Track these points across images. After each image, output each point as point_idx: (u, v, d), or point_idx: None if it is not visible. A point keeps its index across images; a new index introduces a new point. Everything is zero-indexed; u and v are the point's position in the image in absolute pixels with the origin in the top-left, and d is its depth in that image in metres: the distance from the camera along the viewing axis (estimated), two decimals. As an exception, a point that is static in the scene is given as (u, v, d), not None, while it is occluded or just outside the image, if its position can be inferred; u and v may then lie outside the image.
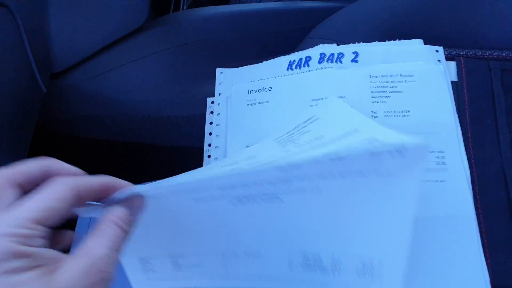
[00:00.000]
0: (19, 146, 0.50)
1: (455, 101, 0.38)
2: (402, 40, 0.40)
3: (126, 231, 0.23)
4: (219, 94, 0.43)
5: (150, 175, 0.75)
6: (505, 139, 0.36)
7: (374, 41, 0.41)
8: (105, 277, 0.20)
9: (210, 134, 0.41)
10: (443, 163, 0.35)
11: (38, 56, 0.48)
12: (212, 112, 0.42)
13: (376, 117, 0.37)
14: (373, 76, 0.38)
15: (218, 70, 0.44)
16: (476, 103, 0.38)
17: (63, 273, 0.19)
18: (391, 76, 0.38)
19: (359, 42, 0.41)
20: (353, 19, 0.42)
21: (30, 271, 0.19)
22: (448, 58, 0.40)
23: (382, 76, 0.38)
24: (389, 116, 0.37)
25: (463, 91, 0.38)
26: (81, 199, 0.22)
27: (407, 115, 0.37)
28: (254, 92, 0.41)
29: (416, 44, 0.40)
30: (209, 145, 0.41)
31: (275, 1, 0.53)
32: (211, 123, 0.42)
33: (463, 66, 0.39)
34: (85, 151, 0.76)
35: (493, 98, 0.38)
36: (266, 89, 0.41)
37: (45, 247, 0.20)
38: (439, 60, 0.39)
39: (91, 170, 0.81)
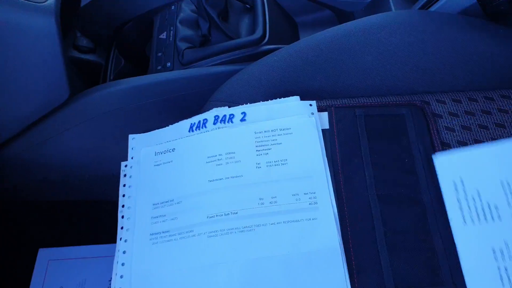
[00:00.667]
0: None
1: (328, 146, 0.44)
2: (282, 98, 0.47)
3: None
4: (131, 158, 0.48)
5: (103, 231, 0.78)
6: (370, 174, 0.42)
7: (261, 99, 0.47)
8: None
9: (124, 195, 0.46)
10: (315, 203, 0.41)
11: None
12: (125, 175, 0.47)
13: (260, 167, 0.43)
14: (257, 132, 0.45)
15: (130, 136, 0.49)
16: (345, 146, 0.44)
17: None
18: (272, 131, 0.44)
19: (248, 103, 0.47)
20: (243, 82, 0.49)
21: None
22: (321, 109, 0.46)
23: (265, 131, 0.44)
24: (271, 165, 0.43)
25: (333, 137, 0.44)
26: None
27: (285, 164, 0.43)
28: (160, 153, 0.46)
29: (293, 100, 0.46)
30: (123, 206, 0.45)
31: (185, 69, 0.60)
32: (124, 185, 0.46)
33: (333, 115, 0.46)
34: (38, 214, 0.78)
35: (359, 141, 0.44)
36: (170, 150, 0.46)
37: None
38: (312, 113, 0.45)
39: (43, 231, 0.83)
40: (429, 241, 0.38)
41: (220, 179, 0.42)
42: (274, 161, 0.43)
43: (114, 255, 0.76)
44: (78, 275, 0.74)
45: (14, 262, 0.76)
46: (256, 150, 0.44)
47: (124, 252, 0.42)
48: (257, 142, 0.44)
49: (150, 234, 0.42)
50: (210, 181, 0.43)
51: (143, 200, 0.44)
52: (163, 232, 0.41)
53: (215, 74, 0.57)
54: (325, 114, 0.46)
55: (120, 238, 0.43)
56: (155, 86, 0.57)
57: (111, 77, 0.66)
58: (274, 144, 0.44)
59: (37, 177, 0.74)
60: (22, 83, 0.52)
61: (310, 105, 0.46)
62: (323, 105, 0.47)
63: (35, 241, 0.77)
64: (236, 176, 0.42)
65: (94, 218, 0.80)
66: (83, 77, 0.70)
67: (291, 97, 0.47)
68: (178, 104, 0.58)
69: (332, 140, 0.44)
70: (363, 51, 0.49)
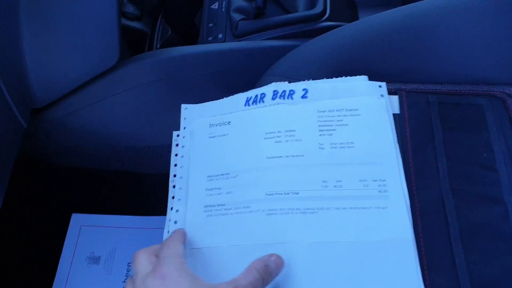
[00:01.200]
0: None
1: (397, 132, 0.41)
2: (348, 76, 0.44)
3: (263, 277, 0.32)
4: (184, 128, 0.46)
5: (136, 203, 0.78)
6: (443, 166, 0.39)
7: (323, 78, 0.44)
8: None
9: (175, 165, 0.44)
10: (385, 191, 0.38)
11: (17, 95, 0.51)
12: (177, 145, 0.45)
13: (323, 148, 0.40)
14: (320, 111, 0.42)
15: (183, 106, 0.47)
16: (417, 134, 0.41)
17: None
18: (337, 110, 0.41)
19: (309, 79, 0.44)
20: (304, 58, 0.46)
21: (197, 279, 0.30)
22: (391, 92, 0.43)
23: (329, 110, 0.42)
24: (335, 147, 0.40)
25: (404, 123, 0.41)
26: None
27: (351, 147, 0.40)
28: (214, 125, 0.44)
29: (361, 80, 0.43)
30: (174, 175, 0.43)
31: (237, 41, 0.57)
32: (176, 155, 0.45)
33: (404, 100, 0.43)
34: (74, 180, 0.78)
35: (431, 129, 0.41)
36: (226, 123, 0.43)
37: None
38: (382, 95, 0.42)
39: (77, 197, 0.84)
40: None
41: (280, 156, 0.40)
42: (340, 143, 0.40)
43: (145, 227, 0.77)
44: (109, 243, 0.74)
45: (48, 225, 0.76)
46: (319, 130, 0.41)
47: (175, 222, 0.40)
48: (320, 121, 0.41)
49: (205, 206, 0.40)
50: (269, 157, 0.40)
51: (197, 171, 0.42)
52: (218, 205, 0.39)
53: (270, 48, 0.54)
54: (395, 98, 0.43)
55: (171, 208, 0.41)
56: (207, 57, 0.54)
57: (157, 46, 0.64)
58: (339, 125, 0.41)
59: (75, 143, 0.73)
60: (76, 43, 0.51)
61: (380, 86, 0.43)
62: (392, 89, 0.44)
63: (69, 206, 0.77)
64: (297, 155, 0.40)
65: (126, 189, 0.79)
66: (128, 45, 0.68)
67: (358, 76, 0.43)
68: (228, 78, 0.55)
69: (403, 126, 0.41)
70: (438, 33, 0.45)
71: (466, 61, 0.44)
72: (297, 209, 0.37)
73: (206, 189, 0.41)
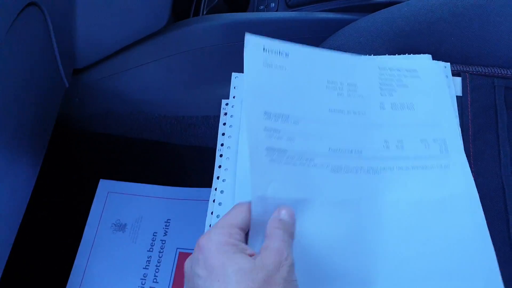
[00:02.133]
0: (40, 137, 0.52)
1: (459, 114, 0.39)
2: (411, 54, 0.42)
3: (286, 230, 0.31)
4: (233, 97, 0.44)
5: (165, 173, 0.77)
6: (506, 153, 0.38)
7: (382, 54, 0.43)
8: (284, 256, 0.28)
9: (223, 134, 0.43)
10: (446, 150, 0.37)
11: (63, 52, 0.51)
12: (226, 114, 0.44)
13: (384, 108, 0.39)
14: (381, 68, 0.40)
15: (234, 74, 0.45)
16: (479, 118, 0.39)
17: (258, 258, 0.28)
18: (397, 70, 0.40)
19: (368, 54, 0.42)
20: (363, 32, 0.44)
21: (238, 253, 0.28)
22: (454, 74, 0.42)
23: (389, 69, 0.40)
24: (396, 108, 0.39)
25: (467, 106, 0.40)
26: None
27: (411, 108, 0.39)
28: (270, 52, 0.37)
29: (425, 59, 0.42)
30: (222, 144, 0.42)
31: (291, 11, 0.56)
32: (224, 124, 0.43)
33: (468, 82, 0.41)
34: (103, 146, 0.78)
35: (496, 114, 0.39)
36: (283, 54, 0.37)
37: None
38: (446, 76, 0.41)
39: (106, 163, 0.84)
40: None
41: (342, 111, 0.38)
42: (400, 104, 0.39)
43: (171, 198, 0.76)
44: (135, 211, 0.74)
45: (76, 190, 0.77)
46: (380, 89, 0.39)
47: (222, 192, 0.39)
48: (381, 79, 0.40)
49: (266, 148, 0.34)
50: (331, 110, 0.38)
51: (254, 104, 0.35)
52: (280, 150, 0.34)
53: (325, 20, 0.52)
54: (458, 80, 0.41)
55: (218, 177, 0.40)
56: (257, 26, 0.53)
57: (204, 13, 0.63)
58: (399, 85, 0.40)
59: (109, 109, 0.73)
60: (127, 2, 0.49)
61: (445, 67, 0.41)
62: (455, 70, 0.42)
63: (98, 172, 0.77)
64: (359, 113, 0.38)
65: (156, 159, 0.79)
66: (172, 9, 0.67)
67: (422, 55, 0.42)
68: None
69: (465, 110, 0.40)
70: (510, 14, 0.43)
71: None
72: (361, 167, 0.36)
73: (265, 128, 0.34)
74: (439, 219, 0.35)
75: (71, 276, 0.67)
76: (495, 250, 0.34)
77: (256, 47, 0.37)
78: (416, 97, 0.39)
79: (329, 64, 0.39)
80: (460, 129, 0.39)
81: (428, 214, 0.35)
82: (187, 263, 0.30)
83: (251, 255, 0.29)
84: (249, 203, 0.31)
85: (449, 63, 0.41)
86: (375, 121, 0.38)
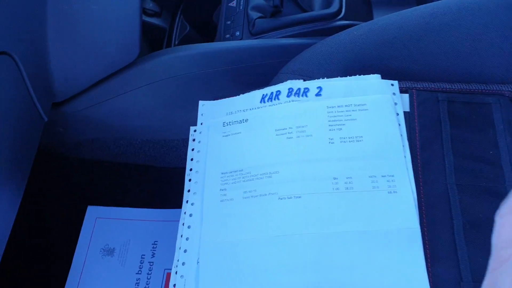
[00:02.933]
0: (20, 169, 0.54)
1: (407, 129, 0.42)
2: (361, 75, 0.45)
3: None
4: (201, 124, 0.48)
5: (151, 195, 0.79)
6: (450, 163, 0.40)
7: (337, 75, 0.46)
8: None
9: (192, 159, 0.46)
10: (394, 191, 0.39)
11: (39, 89, 0.53)
12: (194, 140, 0.47)
13: (333, 143, 0.41)
14: (330, 107, 0.43)
15: (200, 102, 0.49)
16: (426, 131, 0.42)
17: None
18: (346, 106, 0.43)
19: (323, 77, 0.46)
20: (318, 56, 0.47)
21: None
22: (402, 91, 0.44)
23: (338, 106, 0.43)
24: (345, 141, 0.41)
25: (414, 121, 0.43)
26: None
27: (360, 140, 0.41)
28: (228, 124, 0.45)
29: (374, 78, 0.45)
30: (190, 169, 0.45)
31: (254, 39, 0.59)
32: (192, 149, 0.46)
33: (415, 98, 0.44)
34: (88, 172, 0.80)
35: (440, 126, 0.42)
36: (241, 121, 0.45)
37: None
38: (394, 93, 0.44)
39: (93, 189, 0.86)
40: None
41: (291, 153, 0.42)
42: (349, 137, 0.42)
43: (157, 220, 0.78)
44: (123, 234, 0.75)
45: (64, 217, 0.78)
46: (329, 125, 0.42)
47: (190, 215, 0.42)
48: (330, 117, 0.43)
49: (220, 201, 0.41)
50: (280, 154, 0.42)
51: (212, 168, 0.44)
52: (230, 199, 0.41)
53: (286, 46, 0.56)
54: (406, 96, 0.44)
55: (187, 201, 0.43)
56: (224, 54, 0.56)
57: (176, 43, 0.66)
58: (348, 119, 0.42)
59: (93, 136, 0.75)
60: (99, 39, 0.53)
61: (392, 84, 0.44)
62: (404, 87, 0.45)
63: (85, 199, 0.79)
64: (308, 151, 0.41)
65: (141, 182, 0.81)
66: (147, 41, 0.70)
67: (371, 75, 0.45)
68: (245, 75, 0.57)
69: (412, 123, 0.43)
70: (451, 33, 0.46)
71: (477, 60, 0.45)
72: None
73: (220, 185, 0.42)
74: (380, 251, 0.37)
75: (61, 303, 0.68)
76: (439, 254, 0.36)
77: (216, 125, 0.45)
78: (365, 130, 0.42)
79: (281, 114, 0.44)
80: (410, 161, 0.40)
81: (371, 245, 0.37)
82: None
83: None
84: None
85: (396, 81, 0.44)
86: (324, 157, 0.41)
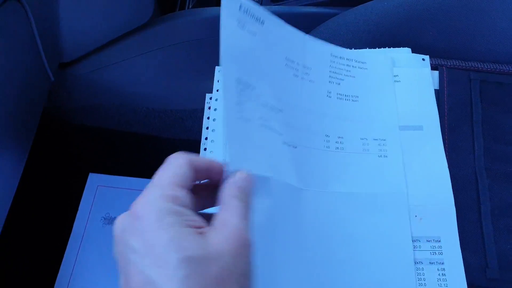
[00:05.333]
0: (25, 130, 0.52)
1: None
2: (391, 48, 0.43)
3: (245, 202, 0.25)
4: (217, 90, 0.45)
5: (154, 166, 0.78)
6: (479, 146, 0.39)
7: (364, 48, 0.43)
8: (245, 243, 0.23)
9: (207, 128, 0.44)
10: (385, 150, 0.38)
11: (48, 47, 0.51)
12: (209, 108, 0.45)
13: (330, 97, 0.40)
14: (333, 56, 0.41)
15: (217, 68, 0.46)
16: (455, 111, 0.40)
17: (212, 238, 0.22)
18: (347, 59, 0.41)
19: (349, 48, 0.43)
20: (345, 26, 0.45)
21: (185, 228, 0.22)
22: (432, 68, 0.42)
23: (340, 57, 0.41)
24: (341, 99, 0.40)
25: (443, 99, 0.41)
26: (195, 171, 0.26)
27: (355, 101, 0.40)
28: (247, 13, 0.36)
29: (404, 52, 0.42)
30: (206, 138, 0.43)
31: (274, 5, 0.56)
32: (208, 118, 0.44)
33: (445, 75, 0.42)
34: (91, 139, 0.78)
35: (471, 107, 0.40)
36: (259, 21, 0.37)
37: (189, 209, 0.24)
38: (425, 68, 0.41)
39: (95, 157, 0.84)
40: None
41: (295, 96, 0.38)
42: (345, 95, 0.40)
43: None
44: (125, 204, 0.73)
45: (65, 183, 0.77)
46: (329, 77, 0.40)
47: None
48: (332, 67, 0.41)
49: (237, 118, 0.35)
50: (286, 93, 0.38)
51: (228, 68, 0.35)
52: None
53: (308, 14, 0.53)
54: (435, 73, 0.42)
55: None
56: (242, 20, 0.53)
57: (189, 6, 0.63)
58: (347, 75, 0.41)
59: (97, 102, 0.73)
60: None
61: (423, 59, 0.42)
62: (433, 63, 0.43)
63: (87, 166, 0.77)
64: (307, 100, 0.39)
65: (145, 152, 0.79)
66: (159, 3, 0.67)
67: (402, 48, 0.43)
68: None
69: (442, 103, 0.40)
70: (487, 10, 0.44)
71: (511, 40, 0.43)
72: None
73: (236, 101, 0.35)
74: (369, 213, 0.36)
75: (61, 269, 0.67)
76: (466, 239, 0.35)
77: (232, 4, 0.36)
78: (361, 90, 0.40)
79: (292, 40, 0.40)
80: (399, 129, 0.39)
81: (360, 207, 0.36)
82: (118, 225, 0.24)
83: (199, 228, 0.23)
84: (187, 155, 0.26)
85: (428, 56, 0.42)
86: (320, 110, 0.39)
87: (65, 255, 0.68)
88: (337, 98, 0.40)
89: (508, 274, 0.34)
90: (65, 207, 0.73)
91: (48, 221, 0.73)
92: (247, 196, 0.26)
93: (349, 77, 0.40)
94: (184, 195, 0.24)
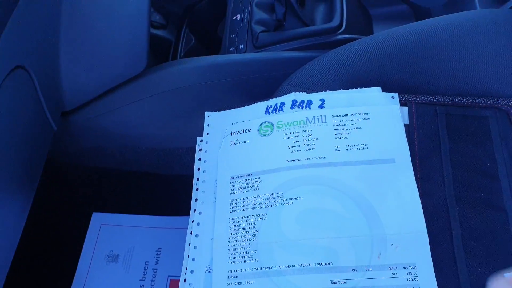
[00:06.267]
0: (30, 178, 0.55)
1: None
2: (363, 88, 0.46)
3: None
4: (207, 134, 0.49)
5: (155, 203, 0.80)
6: (448, 175, 0.41)
7: (338, 88, 0.47)
8: None
9: (199, 169, 0.47)
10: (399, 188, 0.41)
11: (50, 100, 0.55)
12: (200, 150, 0.48)
13: (339, 150, 0.43)
14: (335, 116, 0.45)
15: (206, 113, 0.50)
16: (424, 143, 0.43)
17: None
18: (350, 115, 0.44)
19: (325, 90, 0.47)
20: (320, 69, 0.49)
21: None
22: (401, 103, 0.46)
23: (343, 115, 0.45)
24: (351, 149, 0.43)
25: (413, 133, 0.44)
26: None
27: (365, 148, 0.43)
28: (236, 133, 0.47)
29: (375, 91, 0.46)
30: (197, 179, 0.46)
31: (257, 52, 0.60)
32: (199, 159, 0.48)
33: (414, 110, 0.45)
34: (95, 180, 0.80)
35: (438, 139, 0.43)
36: (246, 130, 0.47)
37: None
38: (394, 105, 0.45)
39: (98, 196, 0.86)
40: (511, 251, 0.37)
41: (299, 159, 0.43)
42: (354, 145, 0.43)
43: (161, 227, 0.79)
44: (127, 241, 0.76)
45: (70, 224, 0.79)
46: (335, 134, 0.44)
47: (198, 224, 0.43)
48: (335, 125, 0.44)
49: (230, 200, 0.43)
50: (288, 161, 0.43)
51: (222, 173, 0.45)
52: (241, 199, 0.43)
53: (289, 59, 0.57)
54: (405, 109, 0.46)
55: (194, 210, 0.44)
56: (229, 66, 0.57)
57: (181, 55, 0.68)
58: (353, 128, 0.44)
59: (99, 144, 0.76)
60: (108, 50, 0.54)
61: (393, 97, 0.45)
62: (403, 100, 0.46)
63: (90, 206, 0.80)
64: (315, 158, 0.43)
65: (146, 190, 0.82)
66: (153, 52, 0.72)
67: (372, 88, 0.46)
68: (248, 87, 0.58)
69: (412, 136, 0.44)
70: (449, 49, 0.48)
71: (474, 75, 0.46)
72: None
73: (230, 187, 0.44)
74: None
75: (66, 309, 0.69)
76: (439, 265, 0.37)
77: (226, 140, 0.47)
78: (370, 137, 0.43)
79: (288, 121, 0.45)
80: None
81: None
82: None
83: None
84: None
85: (397, 94, 0.46)
86: (330, 162, 0.42)
87: (70, 294, 0.70)
88: (347, 150, 0.43)
89: (480, 297, 0.36)
90: (69, 247, 0.75)
91: (52, 262, 0.75)
92: None
93: (355, 129, 0.44)
94: None
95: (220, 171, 0.45)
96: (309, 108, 0.46)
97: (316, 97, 0.46)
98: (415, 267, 0.37)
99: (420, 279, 0.37)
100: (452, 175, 0.41)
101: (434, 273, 0.37)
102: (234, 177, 0.44)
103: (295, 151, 0.43)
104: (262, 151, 0.45)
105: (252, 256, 0.39)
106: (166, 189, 0.81)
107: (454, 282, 0.37)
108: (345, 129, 0.44)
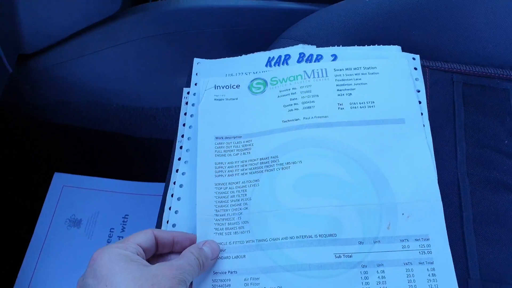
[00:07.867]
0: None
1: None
2: (380, 45, 0.41)
3: (200, 261, 0.31)
4: (195, 84, 0.42)
5: (123, 166, 0.75)
6: (462, 151, 0.37)
7: (341, 44, 0.42)
8: (181, 280, 0.29)
9: (184, 125, 0.41)
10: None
11: (4, 37, 0.47)
12: (187, 103, 0.42)
13: (342, 109, 0.38)
14: (337, 70, 0.39)
15: (196, 60, 0.43)
16: (437, 114, 0.39)
17: (155, 268, 0.29)
18: (355, 69, 0.39)
19: (332, 46, 0.41)
20: (324, 23, 0.43)
21: (131, 261, 0.29)
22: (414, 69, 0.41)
23: (346, 69, 0.39)
24: (355, 107, 0.38)
25: (425, 101, 0.39)
26: (158, 242, 0.32)
27: (372, 106, 0.38)
28: (221, 88, 0.41)
29: (394, 50, 0.41)
30: (182, 136, 0.40)
31: (254, -1, 0.54)
32: (185, 113, 0.41)
33: (428, 77, 0.40)
34: (58, 137, 0.75)
35: (453, 110, 0.39)
36: (234, 86, 0.40)
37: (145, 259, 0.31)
38: (415, 68, 0.40)
39: (61, 156, 0.80)
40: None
41: (297, 119, 0.38)
42: (360, 103, 0.38)
43: (129, 192, 0.74)
44: (91, 206, 0.72)
45: (28, 183, 0.73)
46: (337, 90, 0.39)
47: (181, 186, 0.37)
48: (338, 80, 0.39)
49: (215, 163, 0.37)
50: (284, 121, 0.38)
51: (205, 131, 0.39)
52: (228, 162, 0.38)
53: (287, 10, 0.51)
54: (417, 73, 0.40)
55: (177, 171, 0.38)
56: (218, 12, 0.51)
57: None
58: (358, 84, 0.39)
59: (63, 98, 0.70)
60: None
61: (413, 58, 0.40)
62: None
63: (52, 165, 0.74)
64: (314, 117, 0.38)
65: (114, 152, 0.76)
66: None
67: (392, 46, 0.41)
68: (240, 38, 0.52)
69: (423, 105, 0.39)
70: (474, 12, 0.43)
71: (496, 43, 0.42)
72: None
73: (215, 150, 0.38)
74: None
75: (19, 274, 0.64)
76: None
77: (207, 86, 0.41)
78: (377, 95, 0.38)
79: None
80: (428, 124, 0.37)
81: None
82: (80, 278, 0.30)
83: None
84: (156, 230, 0.33)
85: (418, 55, 0.41)
86: (333, 121, 0.37)
87: (24, 259, 0.65)
88: (351, 108, 0.38)
89: (490, 285, 0.33)
90: (27, 208, 0.70)
91: (8, 223, 0.69)
92: (204, 258, 0.32)
93: (360, 85, 0.39)
94: (135, 247, 0.30)
95: (201, 128, 0.39)
96: (319, 62, 0.40)
97: (327, 51, 0.41)
98: (428, 239, 0.33)
99: (434, 252, 0.33)
100: (466, 151, 0.37)
101: (449, 246, 0.33)
102: (219, 138, 0.38)
103: (292, 110, 0.38)
104: (253, 111, 0.39)
105: (243, 227, 0.34)
106: (136, 152, 0.76)
107: (462, 268, 0.33)
108: (349, 84, 0.39)
